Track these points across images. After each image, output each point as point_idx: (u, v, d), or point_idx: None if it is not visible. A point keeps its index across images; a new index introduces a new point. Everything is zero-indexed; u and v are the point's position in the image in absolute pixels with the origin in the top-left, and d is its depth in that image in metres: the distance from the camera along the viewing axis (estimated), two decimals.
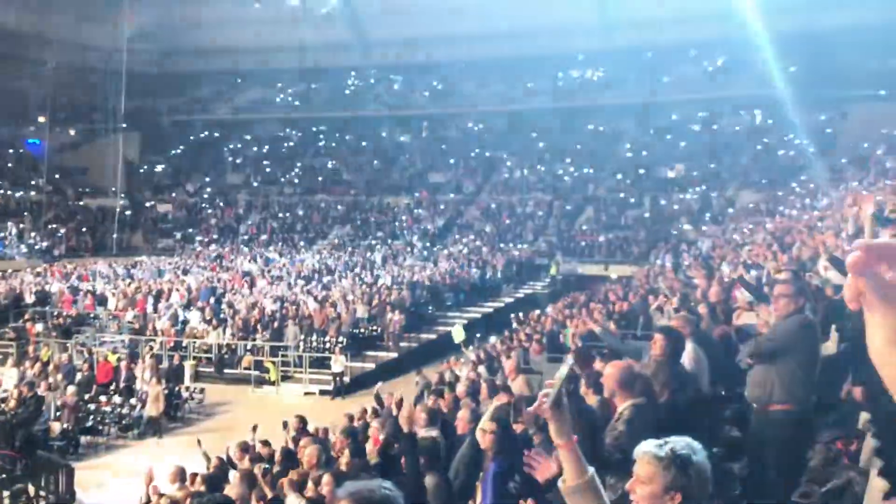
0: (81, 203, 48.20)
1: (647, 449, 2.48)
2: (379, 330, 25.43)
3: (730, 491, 5.08)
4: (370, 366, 23.31)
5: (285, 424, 12.08)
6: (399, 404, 10.31)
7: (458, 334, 18.46)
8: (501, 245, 38.59)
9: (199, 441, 12.01)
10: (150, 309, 27.45)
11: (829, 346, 8.48)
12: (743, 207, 35.27)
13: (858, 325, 5.82)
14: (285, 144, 54.05)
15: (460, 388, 9.84)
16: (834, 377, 6.72)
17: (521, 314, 23.03)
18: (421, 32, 49.68)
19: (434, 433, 7.47)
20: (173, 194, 50.63)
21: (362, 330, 25.21)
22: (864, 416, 5.50)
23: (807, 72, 42.33)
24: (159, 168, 53.39)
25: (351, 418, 12.23)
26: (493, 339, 20.90)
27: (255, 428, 12.03)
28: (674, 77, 45.64)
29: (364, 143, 52.10)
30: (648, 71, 46.47)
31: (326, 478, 5.56)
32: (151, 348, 23.20)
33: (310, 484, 5.92)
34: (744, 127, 43.32)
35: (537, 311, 24.03)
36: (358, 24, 51.35)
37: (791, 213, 25.63)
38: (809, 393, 5.32)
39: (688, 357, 6.25)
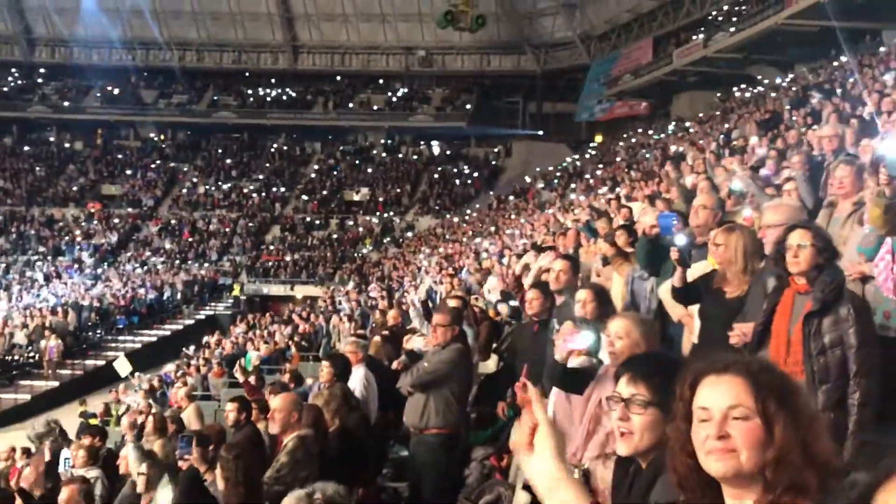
0: None
1: (294, 499, 2.42)
2: (36, 356, 22.90)
3: None
4: (24, 397, 20.90)
5: None
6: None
7: (123, 367, 17.26)
8: (182, 264, 36.87)
9: None
10: None
11: (489, 365, 9.20)
12: (421, 231, 37.29)
13: (515, 346, 6.36)
14: None
15: (125, 423, 9.14)
16: (492, 395, 7.29)
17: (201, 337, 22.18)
18: (94, 33, 46.09)
19: (94, 473, 6.87)
20: None
21: (17, 356, 22.55)
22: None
23: (478, 109, 46.27)
24: None
25: None
26: (168, 365, 19.81)
27: None
28: (360, 103, 47.24)
29: (26, 148, 46.84)
30: (337, 95, 47.59)
31: None
32: None
33: None
34: (423, 156, 45.95)
35: (218, 334, 23.30)
36: (21, 15, 46.41)
37: (462, 238, 27.58)
38: (463, 416, 5.71)
39: (358, 382, 6.39)
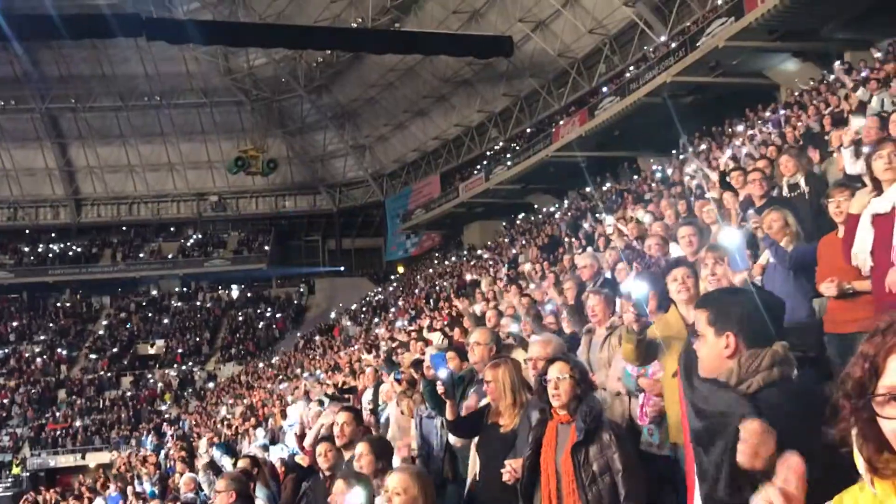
0: None
1: None
2: None
3: None
4: None
5: None
6: None
7: None
8: None
9: None
10: None
11: None
12: (224, 380, 35.78)
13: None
14: None
15: None
16: None
17: None
18: None
19: None
20: None
21: None
22: None
23: (277, 250, 46.25)
24: None
25: None
26: None
27: None
28: (151, 252, 45.67)
29: None
30: (125, 245, 45.80)
31: None
32: None
33: None
34: (222, 301, 44.70)
35: None
36: None
37: (266, 385, 26.76)
38: None
39: None
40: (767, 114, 18.21)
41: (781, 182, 7.15)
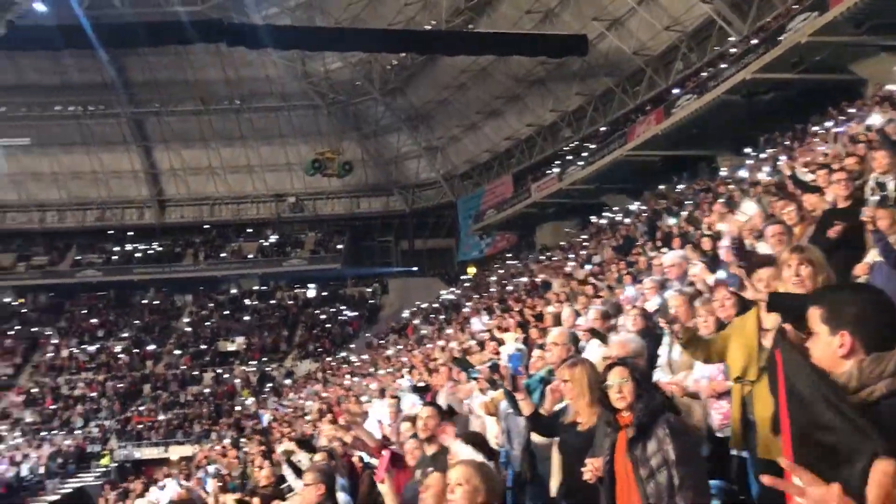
0: None
1: None
2: None
3: None
4: None
5: None
6: None
7: None
8: (44, 434, 34.37)
9: None
10: None
11: None
12: (300, 377, 36.48)
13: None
14: None
15: None
16: None
17: None
18: None
19: None
20: None
21: None
22: None
23: (352, 250, 46.92)
24: None
25: None
26: None
27: None
28: (232, 252, 46.88)
29: None
30: (207, 245, 47.13)
31: None
32: None
33: None
34: (299, 300, 45.61)
35: None
36: None
37: (342, 382, 27.16)
38: None
39: None
40: (853, 111, 17.61)
41: (868, 177, 6.88)
